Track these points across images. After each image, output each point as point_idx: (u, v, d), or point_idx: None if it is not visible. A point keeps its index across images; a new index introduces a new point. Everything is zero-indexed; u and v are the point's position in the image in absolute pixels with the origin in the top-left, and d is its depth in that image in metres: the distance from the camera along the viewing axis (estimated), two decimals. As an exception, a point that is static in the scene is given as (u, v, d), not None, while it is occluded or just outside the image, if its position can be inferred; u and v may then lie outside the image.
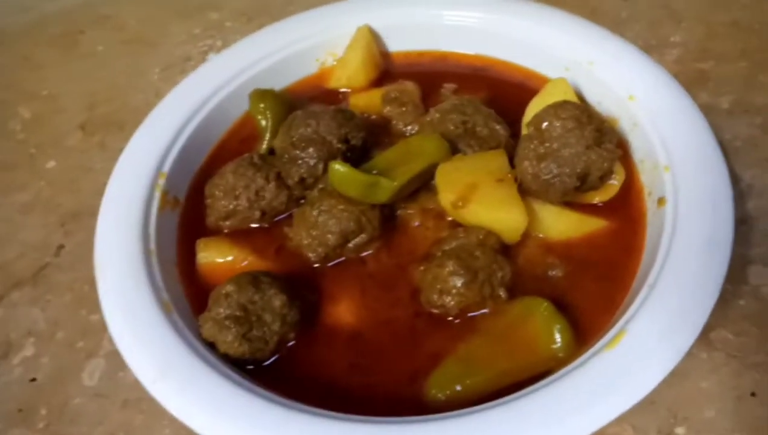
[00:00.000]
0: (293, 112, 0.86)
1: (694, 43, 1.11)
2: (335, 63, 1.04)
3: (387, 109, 0.93)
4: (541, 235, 0.79)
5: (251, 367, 0.71)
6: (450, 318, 0.73)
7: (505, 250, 0.76)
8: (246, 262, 0.80)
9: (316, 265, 0.80)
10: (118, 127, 1.13)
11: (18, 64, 1.31)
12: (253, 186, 0.82)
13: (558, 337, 0.68)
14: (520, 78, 1.00)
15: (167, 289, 0.74)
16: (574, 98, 0.87)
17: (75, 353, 0.83)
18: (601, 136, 0.76)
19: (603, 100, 0.91)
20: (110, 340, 0.72)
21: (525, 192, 0.78)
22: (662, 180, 0.77)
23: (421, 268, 0.76)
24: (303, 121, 0.83)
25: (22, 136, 1.15)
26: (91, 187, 1.02)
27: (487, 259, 0.72)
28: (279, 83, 1.00)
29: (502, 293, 0.72)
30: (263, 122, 0.91)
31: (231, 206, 0.82)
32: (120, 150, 0.88)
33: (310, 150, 0.82)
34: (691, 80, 1.03)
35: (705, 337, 0.74)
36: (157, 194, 0.83)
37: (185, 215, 0.87)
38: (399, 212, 0.82)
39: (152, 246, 0.78)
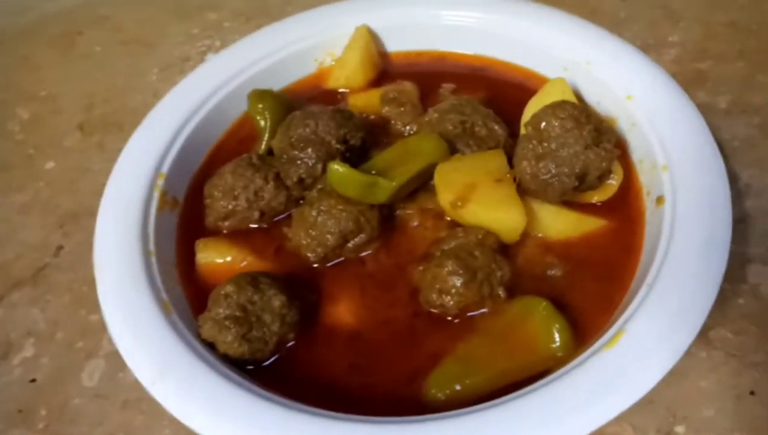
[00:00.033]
0: (292, 112, 0.86)
1: (692, 43, 1.11)
2: (334, 63, 1.04)
3: (385, 110, 0.93)
4: (539, 235, 0.79)
5: (251, 367, 0.71)
6: (449, 318, 0.73)
7: (504, 249, 0.76)
8: (245, 263, 0.80)
9: (315, 266, 0.80)
10: (117, 127, 1.13)
11: (16, 65, 1.31)
12: (252, 186, 0.82)
13: (557, 336, 0.68)
14: (519, 78, 1.00)
15: (166, 290, 0.74)
16: (572, 98, 0.87)
17: (75, 354, 0.83)
18: (599, 135, 0.76)
19: (601, 99, 0.91)
20: (110, 341, 0.72)
21: (524, 192, 0.78)
22: (660, 180, 0.78)
23: (420, 267, 0.76)
24: (301, 121, 0.83)
25: (21, 137, 1.15)
26: (90, 187, 1.02)
27: (486, 258, 0.72)
28: (277, 83, 1.00)
29: (501, 293, 0.72)
30: (262, 122, 0.91)
31: (230, 206, 0.82)
32: (119, 150, 0.88)
33: (309, 150, 0.82)
34: (690, 80, 1.03)
35: (704, 336, 0.75)
36: (156, 195, 0.83)
37: (184, 216, 0.87)
38: (398, 212, 0.82)
39: (151, 246, 0.78)
